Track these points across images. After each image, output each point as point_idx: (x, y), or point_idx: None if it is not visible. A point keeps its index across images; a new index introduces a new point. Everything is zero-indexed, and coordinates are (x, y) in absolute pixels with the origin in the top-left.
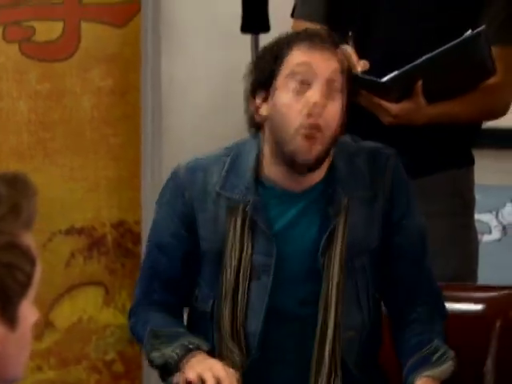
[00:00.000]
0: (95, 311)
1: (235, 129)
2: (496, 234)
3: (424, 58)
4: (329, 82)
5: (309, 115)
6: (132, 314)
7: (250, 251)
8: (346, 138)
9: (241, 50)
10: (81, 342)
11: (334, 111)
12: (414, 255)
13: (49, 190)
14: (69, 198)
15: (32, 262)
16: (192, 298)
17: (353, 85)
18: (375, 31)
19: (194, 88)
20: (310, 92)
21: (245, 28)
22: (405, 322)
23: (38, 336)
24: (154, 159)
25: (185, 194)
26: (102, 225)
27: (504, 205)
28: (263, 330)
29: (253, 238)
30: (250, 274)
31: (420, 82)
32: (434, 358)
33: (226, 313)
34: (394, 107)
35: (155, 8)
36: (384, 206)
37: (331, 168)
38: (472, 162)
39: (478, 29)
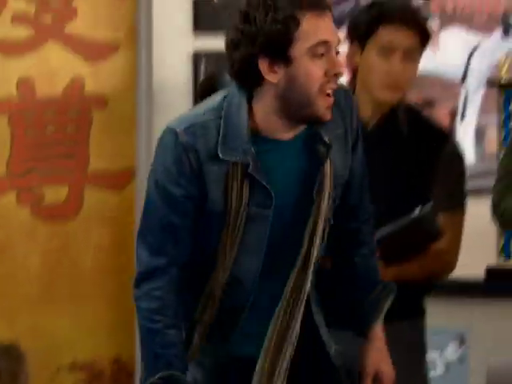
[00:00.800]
0: None
1: None
2: (440, 370)
3: (380, 232)
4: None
5: (329, 82)
6: (145, 282)
7: (247, 203)
8: None
9: None
10: None
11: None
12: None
13: (54, 332)
14: (72, 338)
15: None
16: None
17: None
18: None
19: None
20: (330, 61)
21: None
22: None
23: None
24: None
25: (190, 156)
26: (102, 360)
27: (447, 344)
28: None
29: (252, 192)
30: (247, 221)
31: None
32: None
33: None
34: None
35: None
36: (352, 140)
37: None
38: (424, 312)
39: (427, 204)
